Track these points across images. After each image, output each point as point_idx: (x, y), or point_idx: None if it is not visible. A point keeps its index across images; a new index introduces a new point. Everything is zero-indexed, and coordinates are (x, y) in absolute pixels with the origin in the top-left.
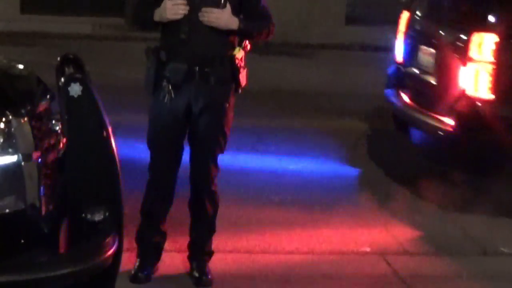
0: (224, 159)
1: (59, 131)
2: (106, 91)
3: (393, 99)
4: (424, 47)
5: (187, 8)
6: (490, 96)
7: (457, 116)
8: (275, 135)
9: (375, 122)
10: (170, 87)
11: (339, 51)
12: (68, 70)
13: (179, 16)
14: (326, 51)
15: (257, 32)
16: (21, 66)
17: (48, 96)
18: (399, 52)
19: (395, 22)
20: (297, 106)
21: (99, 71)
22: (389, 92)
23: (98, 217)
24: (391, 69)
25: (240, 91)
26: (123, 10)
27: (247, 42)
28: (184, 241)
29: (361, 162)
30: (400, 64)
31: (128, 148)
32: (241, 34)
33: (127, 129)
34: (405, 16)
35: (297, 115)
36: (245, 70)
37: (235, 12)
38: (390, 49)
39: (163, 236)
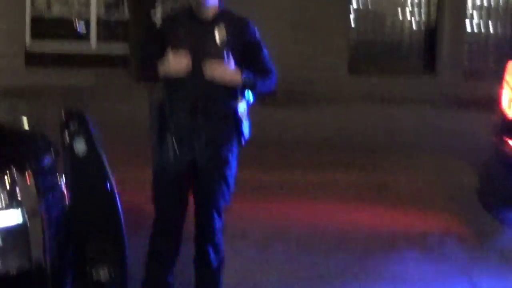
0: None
1: (63, 186)
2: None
3: (501, 148)
4: None
5: (190, 64)
6: None
7: None
8: (278, 187)
9: (379, 174)
10: (173, 140)
11: (342, 102)
12: (73, 125)
13: (182, 71)
14: (329, 102)
15: (260, 85)
16: (25, 121)
17: (52, 151)
18: (505, 101)
19: (398, 72)
20: (300, 157)
21: (103, 122)
22: (495, 141)
23: (104, 277)
24: (498, 118)
25: (243, 143)
26: (127, 61)
27: (250, 94)
28: None
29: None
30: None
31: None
32: (245, 88)
33: (132, 183)
34: (510, 66)
35: (300, 167)
36: (248, 123)
37: (239, 64)
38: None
39: None
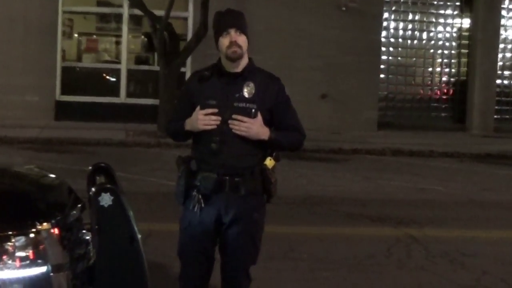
0: (256, 268)
1: (89, 240)
2: (138, 198)
3: None
4: None
5: (219, 118)
6: None
7: None
8: (308, 243)
9: (408, 229)
10: (200, 197)
11: (371, 156)
12: (99, 179)
13: (210, 127)
14: (358, 156)
15: (287, 143)
16: (52, 176)
17: (79, 206)
18: None
19: (426, 127)
20: (329, 212)
21: (131, 177)
22: None
23: None
24: None
25: (270, 201)
26: (156, 117)
27: (278, 152)
28: None
29: (394, 270)
30: None
31: (159, 256)
32: (272, 145)
33: (158, 237)
34: None
35: (329, 222)
36: (276, 181)
37: (266, 122)
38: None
39: None
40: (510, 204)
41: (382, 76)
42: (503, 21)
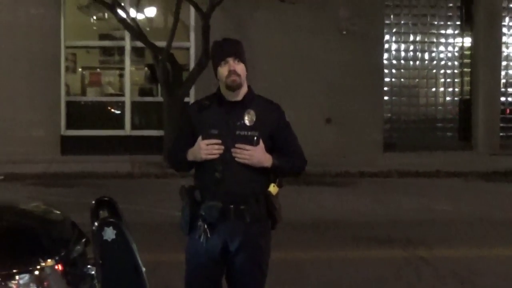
0: None
1: (94, 275)
2: (145, 229)
3: None
4: None
5: (222, 147)
6: None
7: None
8: (316, 267)
9: (417, 250)
10: (205, 226)
11: (378, 178)
12: (103, 213)
13: (213, 156)
14: (365, 179)
15: (290, 168)
16: (57, 212)
17: (83, 241)
18: None
19: (432, 147)
20: (337, 236)
21: (138, 209)
22: None
23: None
24: None
25: (275, 227)
26: (162, 147)
27: (280, 178)
28: None
29: None
30: None
31: (168, 287)
32: (275, 171)
33: (166, 268)
34: None
35: (338, 246)
36: (280, 207)
37: (268, 148)
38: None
39: None
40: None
41: (385, 98)
42: (504, 39)
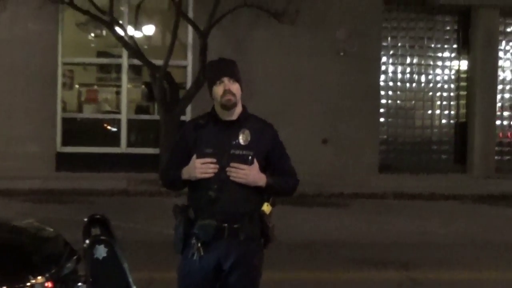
0: None
1: None
2: (139, 247)
3: None
4: None
5: (217, 166)
6: None
7: None
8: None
9: (411, 273)
10: (199, 245)
11: (373, 199)
12: (95, 230)
13: (208, 175)
14: (360, 200)
15: (283, 188)
16: (49, 229)
17: (74, 258)
18: None
19: (427, 169)
20: (331, 257)
21: (132, 226)
22: None
23: None
24: None
25: (267, 247)
26: (157, 165)
27: (274, 198)
28: None
29: None
30: None
31: None
32: (269, 190)
33: (159, 286)
34: None
35: (332, 267)
36: (273, 226)
37: (261, 168)
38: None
39: None
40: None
41: (382, 119)
42: (500, 62)
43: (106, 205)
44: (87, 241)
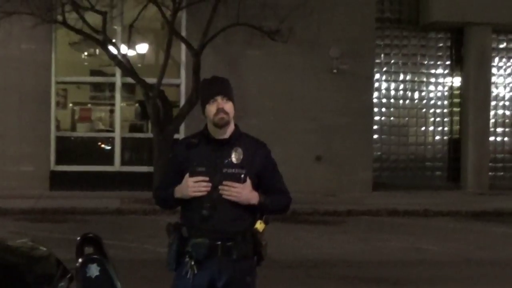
0: None
1: None
2: (132, 266)
3: None
4: None
5: (209, 185)
6: None
7: None
8: None
9: None
10: (192, 263)
11: (366, 217)
12: (88, 249)
13: (201, 194)
14: (353, 218)
15: (276, 206)
16: (43, 248)
17: (67, 277)
18: None
19: (421, 186)
20: (324, 275)
21: (126, 245)
22: None
23: None
24: None
25: (260, 264)
26: (151, 184)
27: (267, 216)
28: None
29: None
30: None
31: None
32: (261, 209)
33: None
34: None
35: (326, 285)
36: (266, 244)
37: (254, 187)
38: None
39: None
40: (507, 262)
41: (375, 136)
42: (493, 79)
43: (100, 223)
44: (80, 260)
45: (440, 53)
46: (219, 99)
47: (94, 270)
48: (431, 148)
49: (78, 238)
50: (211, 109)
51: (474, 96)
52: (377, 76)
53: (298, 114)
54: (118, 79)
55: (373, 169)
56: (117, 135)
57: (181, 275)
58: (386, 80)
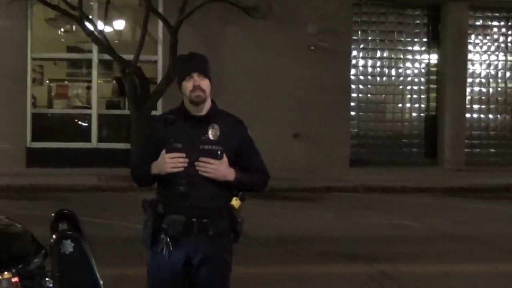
0: None
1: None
2: (111, 243)
3: None
4: None
5: (186, 161)
6: None
7: None
8: (280, 282)
9: (382, 266)
10: (168, 240)
11: (344, 193)
12: (62, 226)
13: (178, 170)
14: (331, 194)
15: (252, 183)
16: (17, 225)
17: (41, 253)
18: None
19: (398, 163)
20: (302, 251)
21: (104, 222)
22: None
23: None
24: None
25: (237, 241)
26: (128, 160)
27: (243, 192)
28: None
29: None
30: None
31: None
32: (238, 186)
33: (129, 282)
34: None
35: (303, 261)
36: (242, 220)
37: (231, 163)
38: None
39: None
40: (483, 237)
41: (352, 113)
42: (470, 56)
43: (77, 201)
44: (54, 236)
45: (417, 30)
46: (195, 76)
47: (68, 246)
48: (408, 124)
49: (53, 214)
50: (188, 86)
51: (451, 73)
52: (354, 53)
53: (275, 91)
54: (95, 56)
55: (351, 146)
56: (94, 112)
57: (157, 252)
58: (363, 57)
